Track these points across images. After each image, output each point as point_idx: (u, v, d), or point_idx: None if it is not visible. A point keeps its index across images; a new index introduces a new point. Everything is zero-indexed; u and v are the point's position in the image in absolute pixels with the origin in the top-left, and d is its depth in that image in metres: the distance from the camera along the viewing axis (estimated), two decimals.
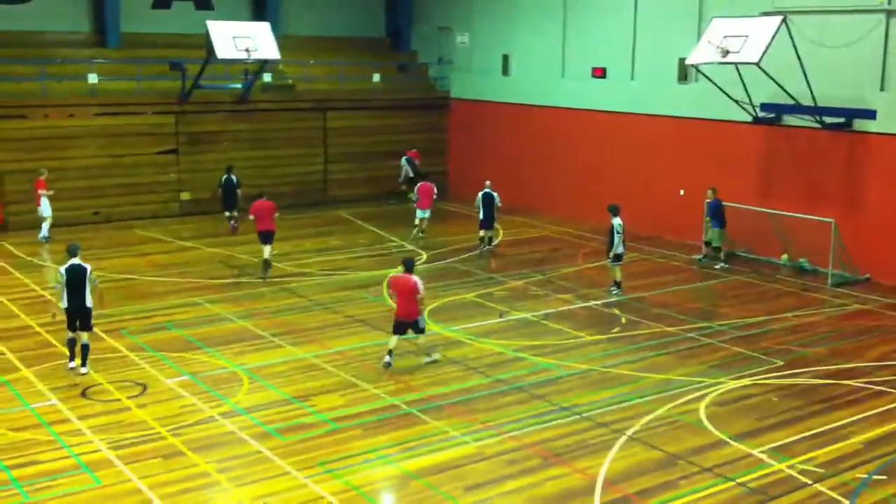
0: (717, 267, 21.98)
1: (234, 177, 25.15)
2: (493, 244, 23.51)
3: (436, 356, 15.22)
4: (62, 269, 14.20)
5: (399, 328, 14.96)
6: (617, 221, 19.19)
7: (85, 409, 13.11)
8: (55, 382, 14.05)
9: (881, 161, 20.66)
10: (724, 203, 21.96)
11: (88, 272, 14.17)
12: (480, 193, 22.85)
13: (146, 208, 26.95)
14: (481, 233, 23.16)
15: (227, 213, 25.32)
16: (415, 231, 24.28)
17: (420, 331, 15.15)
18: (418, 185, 24.56)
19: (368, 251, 23.25)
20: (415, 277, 14.79)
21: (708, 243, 22.37)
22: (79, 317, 14.15)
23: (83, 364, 14.37)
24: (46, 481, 10.94)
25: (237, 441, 12.15)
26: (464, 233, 25.09)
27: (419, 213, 24.06)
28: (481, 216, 22.90)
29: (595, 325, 17.42)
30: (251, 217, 20.50)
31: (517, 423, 12.82)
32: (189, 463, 11.48)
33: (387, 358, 14.86)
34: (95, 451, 11.74)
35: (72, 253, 14.32)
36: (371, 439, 12.24)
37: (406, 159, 29.28)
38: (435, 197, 24.45)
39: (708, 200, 22.14)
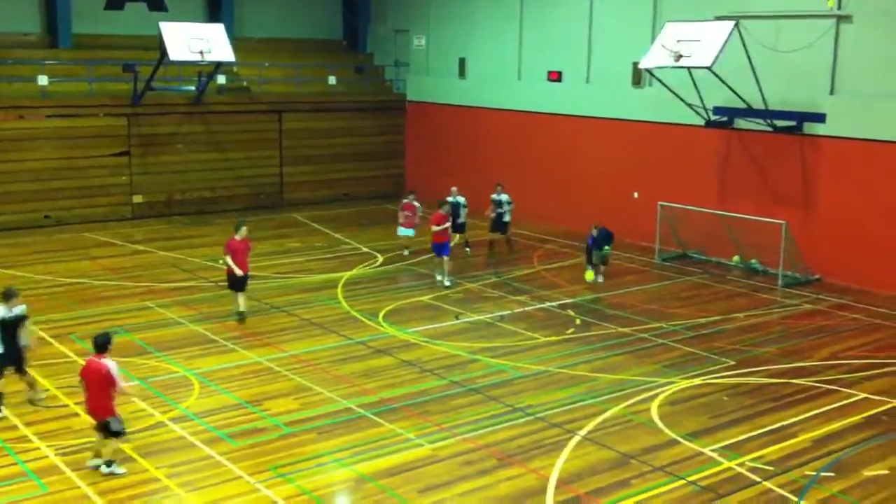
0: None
1: None
2: (468, 246, 23.68)
3: (117, 469, 11.15)
4: None
5: (97, 426, 11.35)
6: None
7: (32, 415, 12.87)
8: None
9: (831, 164, 20.98)
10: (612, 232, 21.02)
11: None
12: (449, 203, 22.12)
13: (98, 211, 26.57)
14: (457, 237, 23.03)
15: None
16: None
17: (112, 434, 11.15)
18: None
19: (324, 254, 23.13)
20: (107, 361, 11.10)
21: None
22: None
23: None
24: None
25: (187, 446, 12.00)
26: (421, 234, 25.07)
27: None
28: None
29: (550, 327, 17.47)
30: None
31: (472, 424, 12.82)
32: (138, 469, 11.31)
33: (89, 462, 11.35)
34: (43, 458, 11.54)
35: None
36: (325, 443, 12.15)
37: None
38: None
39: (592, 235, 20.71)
